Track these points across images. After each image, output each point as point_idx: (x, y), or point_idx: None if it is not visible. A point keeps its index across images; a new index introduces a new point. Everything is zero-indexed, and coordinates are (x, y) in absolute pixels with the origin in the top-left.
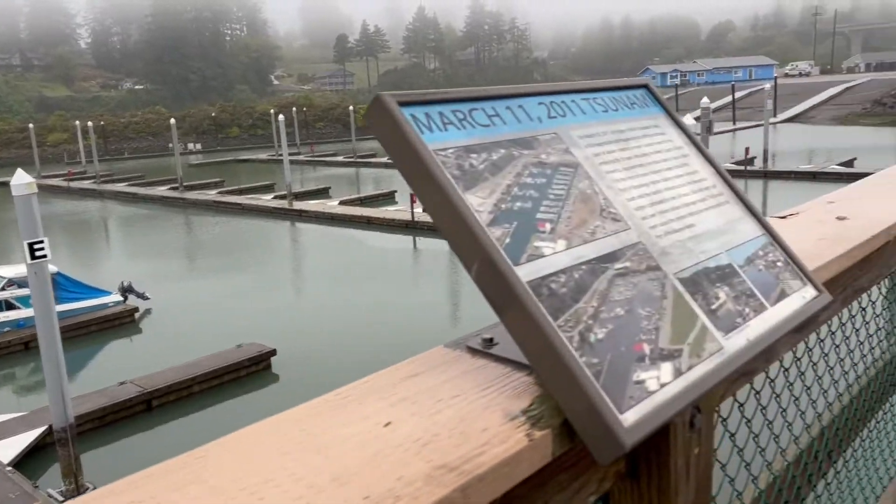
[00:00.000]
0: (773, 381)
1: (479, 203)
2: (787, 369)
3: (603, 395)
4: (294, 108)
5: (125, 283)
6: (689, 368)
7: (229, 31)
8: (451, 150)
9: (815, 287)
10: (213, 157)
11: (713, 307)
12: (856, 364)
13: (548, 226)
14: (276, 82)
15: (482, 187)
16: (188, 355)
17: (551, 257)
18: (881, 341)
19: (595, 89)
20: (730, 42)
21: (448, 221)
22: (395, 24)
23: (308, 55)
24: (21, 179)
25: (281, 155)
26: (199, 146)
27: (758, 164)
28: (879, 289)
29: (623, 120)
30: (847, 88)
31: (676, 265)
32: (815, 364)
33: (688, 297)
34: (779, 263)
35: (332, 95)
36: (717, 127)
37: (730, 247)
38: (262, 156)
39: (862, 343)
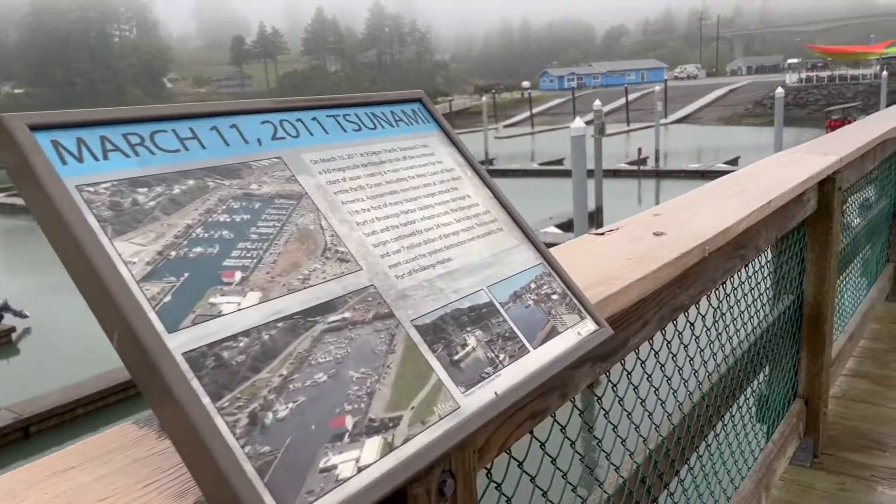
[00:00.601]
0: (581, 412)
1: (133, 252)
2: (599, 398)
3: (264, 495)
4: None
5: None
6: (407, 440)
7: (118, 32)
8: (105, 185)
9: (595, 320)
10: None
11: (456, 358)
12: (675, 391)
13: (237, 275)
14: (169, 85)
15: (144, 231)
16: (72, 376)
17: (232, 316)
18: (712, 356)
19: (349, 104)
20: (623, 46)
21: (83, 278)
22: (293, 25)
23: (203, 57)
24: None
25: None
26: None
27: (650, 164)
28: (710, 301)
29: (380, 140)
30: (731, 90)
31: (416, 310)
32: (636, 387)
33: (424, 348)
34: (553, 297)
35: (228, 98)
36: (611, 129)
37: (493, 282)
38: None
39: (690, 360)
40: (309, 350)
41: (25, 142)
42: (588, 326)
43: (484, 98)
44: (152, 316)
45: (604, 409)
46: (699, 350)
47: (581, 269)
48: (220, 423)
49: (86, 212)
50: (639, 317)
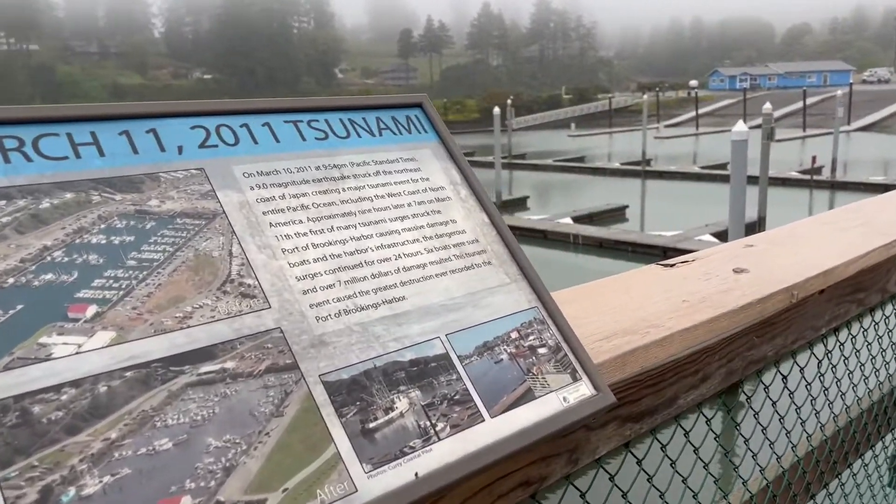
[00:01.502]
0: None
1: None
2: (639, 460)
3: None
4: None
5: None
6: None
7: (297, 24)
8: None
9: (594, 383)
10: None
11: (371, 426)
12: (755, 454)
13: (90, 310)
14: (340, 76)
15: None
16: None
17: (64, 361)
18: (814, 413)
19: (322, 108)
20: (805, 45)
21: None
22: (459, 19)
23: (373, 49)
24: None
25: None
26: None
27: (825, 174)
28: (795, 358)
29: (349, 151)
30: None
31: (332, 361)
32: (696, 448)
33: (327, 410)
34: (541, 351)
35: (393, 90)
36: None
37: (457, 328)
38: None
39: (781, 420)
40: (158, 408)
41: None
42: (581, 391)
43: (645, 96)
44: None
45: (646, 473)
46: (795, 406)
47: (617, 312)
48: None
49: None
50: (694, 370)
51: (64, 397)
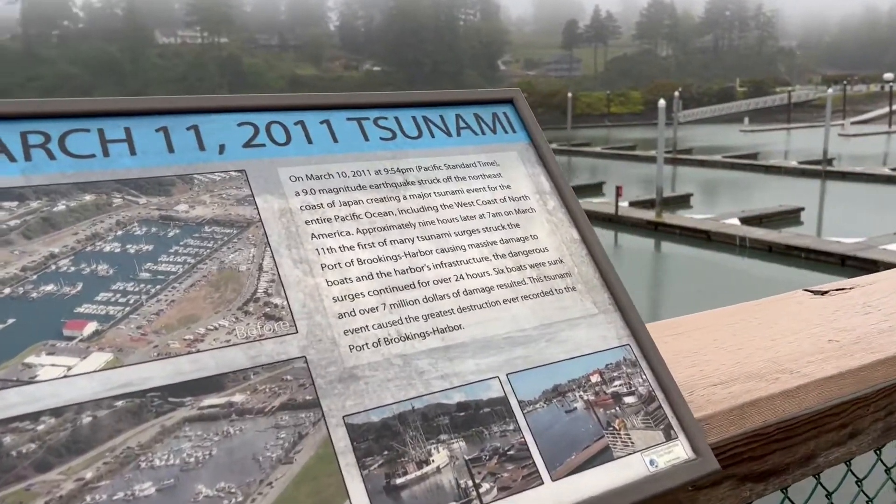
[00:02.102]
0: None
1: None
2: None
3: None
4: None
5: None
6: None
7: (463, 17)
8: None
9: (693, 444)
10: None
11: (399, 482)
12: None
13: (89, 327)
14: (503, 67)
15: None
16: None
17: (49, 385)
18: None
19: (394, 104)
20: None
21: None
22: (627, 9)
23: (536, 41)
24: None
25: None
26: None
27: None
28: None
29: (420, 153)
30: None
31: (362, 400)
32: None
33: (348, 460)
34: (628, 399)
35: (555, 82)
36: None
37: (522, 367)
38: None
39: None
40: (146, 446)
41: None
42: (675, 453)
43: (830, 90)
44: None
45: None
46: None
47: (743, 350)
48: None
49: None
50: (839, 424)
51: (41, 427)
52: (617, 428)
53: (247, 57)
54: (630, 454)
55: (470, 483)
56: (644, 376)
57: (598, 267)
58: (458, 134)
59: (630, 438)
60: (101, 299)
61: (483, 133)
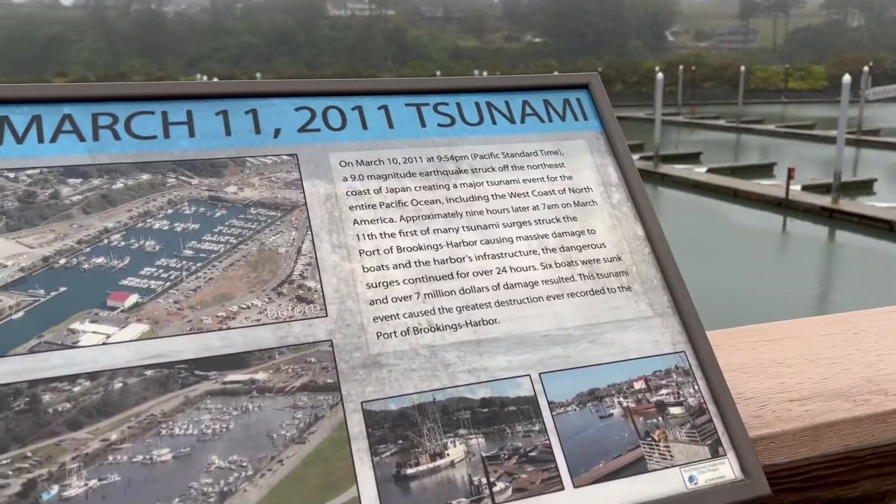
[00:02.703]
0: None
1: (13, 253)
2: None
3: None
4: (681, 67)
5: None
6: None
7: None
8: (31, 172)
9: (743, 464)
10: None
11: (409, 472)
12: None
13: (130, 299)
14: (671, 38)
15: (44, 230)
16: None
17: (88, 350)
18: None
19: (457, 90)
20: None
21: None
22: None
23: (708, 10)
24: None
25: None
26: None
27: None
28: None
29: (479, 141)
30: None
31: (382, 387)
32: None
33: (359, 445)
34: (673, 410)
35: (727, 54)
36: None
37: (557, 367)
38: (640, 114)
39: None
40: (169, 414)
41: None
42: (721, 472)
43: None
44: None
45: None
46: None
47: (837, 363)
48: None
49: None
50: None
51: (76, 389)
52: (656, 439)
53: (411, 29)
54: (667, 468)
55: (484, 481)
56: (696, 386)
57: (661, 267)
58: (523, 121)
59: (669, 451)
60: (145, 273)
61: (550, 120)
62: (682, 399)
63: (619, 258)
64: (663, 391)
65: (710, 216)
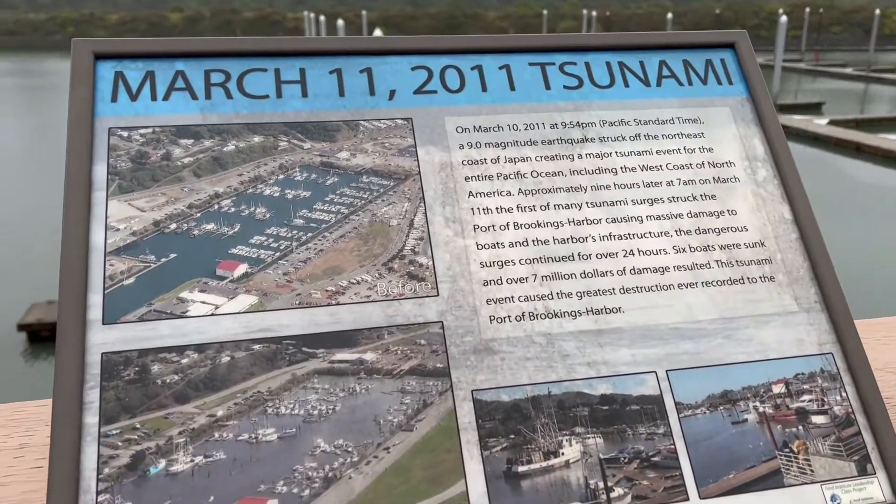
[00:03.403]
0: None
1: (125, 216)
2: None
3: None
4: (807, 10)
5: None
6: None
7: None
8: (144, 131)
9: (892, 483)
10: None
11: (522, 469)
12: None
13: (240, 269)
14: None
15: (155, 193)
16: None
17: (197, 321)
18: None
19: (578, 48)
20: None
21: (64, 233)
22: None
23: None
24: None
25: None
26: None
27: None
28: None
29: (604, 105)
30: None
31: (494, 376)
32: None
33: (469, 437)
34: (817, 419)
35: None
36: None
37: (688, 364)
38: (759, 60)
39: None
40: (275, 392)
41: (78, 71)
42: (869, 492)
43: None
44: (94, 299)
45: None
46: None
47: None
48: (90, 452)
49: (98, 160)
50: None
51: (185, 361)
52: (795, 451)
53: None
54: (806, 484)
55: (601, 485)
56: (844, 394)
57: (810, 255)
58: (659, 84)
59: (810, 465)
60: (255, 242)
61: (690, 83)
62: (827, 407)
63: (763, 244)
64: (806, 397)
65: (830, 172)
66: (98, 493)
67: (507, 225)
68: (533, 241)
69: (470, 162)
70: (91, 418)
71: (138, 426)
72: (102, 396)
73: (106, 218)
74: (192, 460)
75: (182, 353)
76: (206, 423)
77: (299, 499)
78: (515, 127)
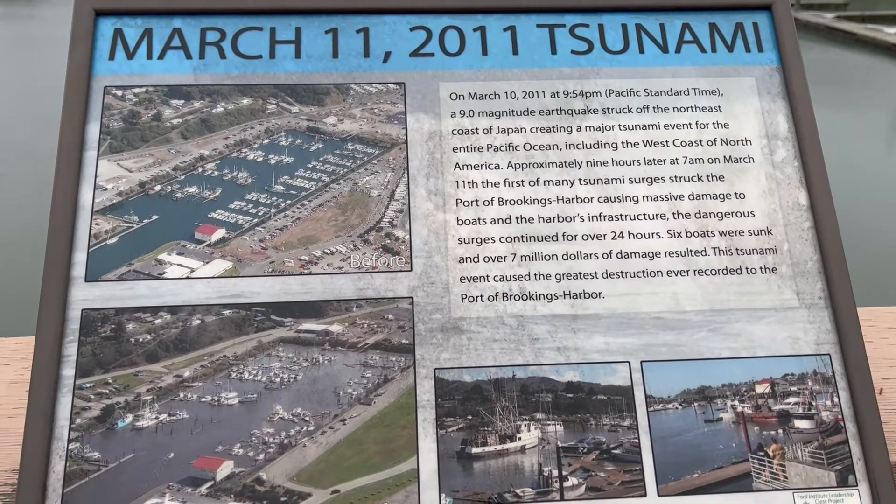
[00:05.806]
0: None
1: (113, 176)
2: None
3: None
4: None
5: None
6: None
7: None
8: (137, 91)
9: (874, 499)
10: None
11: (476, 450)
12: None
13: (217, 233)
14: None
15: (143, 154)
16: None
17: (172, 283)
18: None
19: (593, 8)
20: None
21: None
22: None
23: None
24: None
25: None
26: None
27: None
28: None
29: (613, 73)
30: None
31: (459, 356)
32: None
33: (426, 415)
34: (801, 424)
35: None
36: None
37: (665, 356)
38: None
39: None
40: (241, 358)
41: (78, 28)
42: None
43: None
44: (79, 256)
45: None
46: None
47: None
48: (64, 403)
49: (92, 119)
50: None
51: (158, 321)
52: (770, 455)
53: None
54: (776, 490)
55: (554, 473)
56: (836, 399)
57: (822, 247)
58: (678, 50)
59: (784, 471)
60: (235, 207)
61: (714, 50)
62: (814, 412)
63: (769, 231)
64: (791, 399)
65: None
66: (70, 441)
67: (491, 200)
68: (517, 218)
69: (460, 131)
70: (68, 370)
71: (110, 381)
72: (80, 351)
73: (95, 177)
74: (157, 417)
75: (156, 313)
76: (173, 383)
77: (254, 462)
78: (513, 95)
